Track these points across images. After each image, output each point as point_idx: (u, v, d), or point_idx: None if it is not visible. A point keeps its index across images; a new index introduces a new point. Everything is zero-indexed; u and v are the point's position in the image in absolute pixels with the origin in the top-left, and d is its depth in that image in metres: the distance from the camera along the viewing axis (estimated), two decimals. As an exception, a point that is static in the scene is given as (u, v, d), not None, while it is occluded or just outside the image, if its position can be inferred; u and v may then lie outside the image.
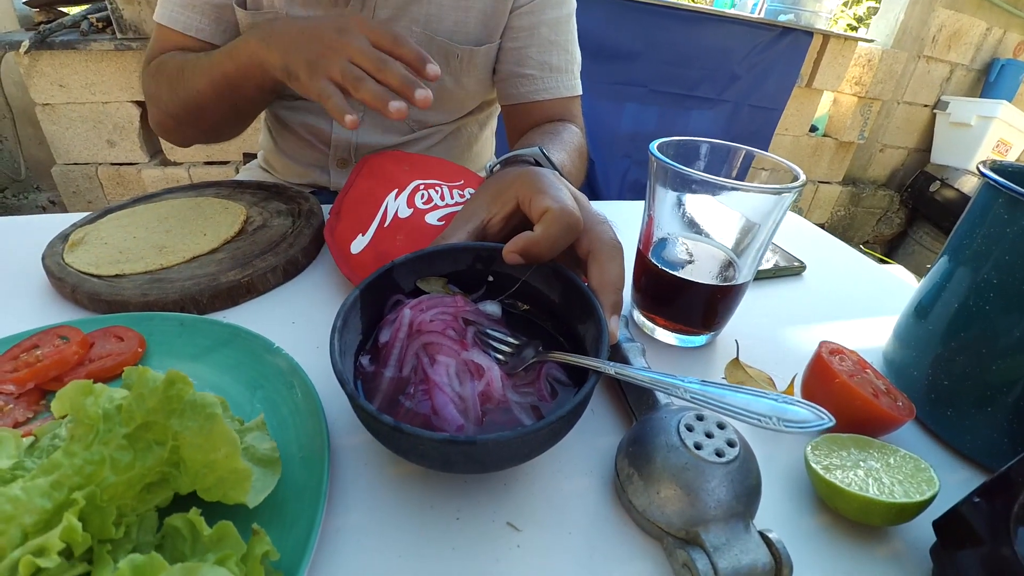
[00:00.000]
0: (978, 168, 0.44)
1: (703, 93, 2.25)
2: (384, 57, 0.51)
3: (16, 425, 0.38)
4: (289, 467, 0.33)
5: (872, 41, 2.71)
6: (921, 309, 0.48)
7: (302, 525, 0.30)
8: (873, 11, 3.06)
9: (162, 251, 0.55)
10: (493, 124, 0.99)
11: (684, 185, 0.45)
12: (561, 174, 0.53)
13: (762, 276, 0.65)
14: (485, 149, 0.99)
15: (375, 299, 0.40)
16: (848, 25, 3.72)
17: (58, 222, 0.62)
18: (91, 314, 0.50)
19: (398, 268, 0.40)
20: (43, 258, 0.54)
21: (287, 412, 0.38)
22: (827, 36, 2.46)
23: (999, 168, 0.45)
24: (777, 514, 0.37)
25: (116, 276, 0.52)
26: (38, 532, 0.25)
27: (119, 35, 1.73)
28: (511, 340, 0.39)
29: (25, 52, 1.69)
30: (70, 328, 0.45)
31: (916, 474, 0.36)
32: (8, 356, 0.42)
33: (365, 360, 0.38)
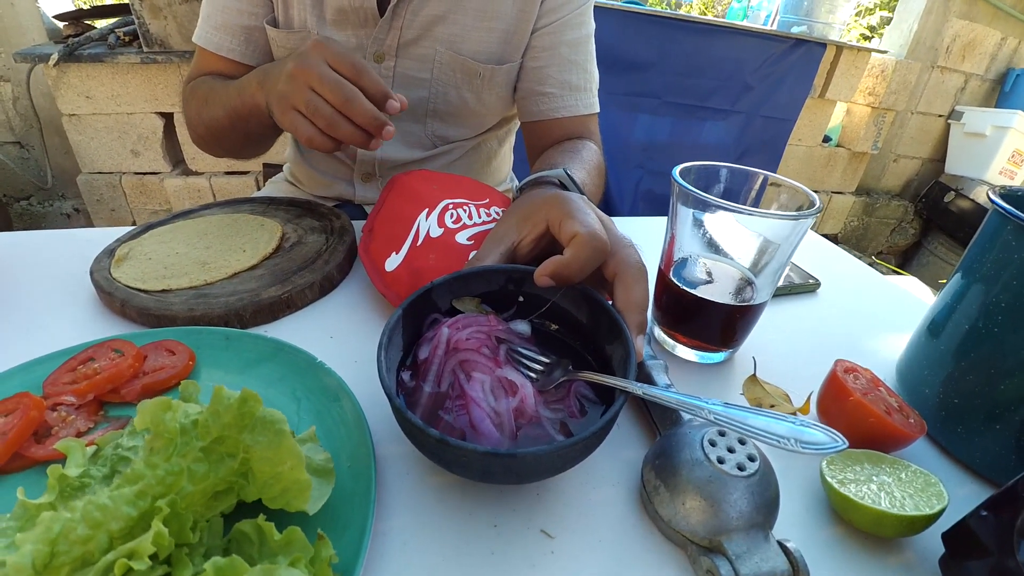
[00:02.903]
0: (988, 195, 0.46)
1: (716, 104, 2.27)
2: (345, 86, 0.52)
3: (79, 434, 0.40)
4: (339, 476, 0.35)
5: (885, 52, 2.72)
6: (933, 328, 0.50)
7: (354, 530, 0.32)
8: (887, 21, 3.06)
9: (205, 267, 0.58)
10: (512, 140, 1.02)
11: (705, 209, 0.47)
12: (583, 194, 0.55)
13: (778, 293, 0.67)
14: (504, 163, 1.02)
15: (414, 317, 0.42)
16: (861, 35, 3.72)
17: (97, 236, 0.65)
18: (139, 327, 0.53)
19: (436, 288, 0.43)
20: (91, 273, 0.57)
21: (332, 424, 0.40)
22: (840, 47, 2.47)
23: (1009, 194, 0.47)
24: (794, 525, 0.39)
25: (163, 291, 0.55)
26: (123, 537, 0.28)
27: (145, 49, 1.79)
28: (541, 358, 0.41)
29: (54, 64, 1.75)
30: (123, 342, 0.47)
31: (926, 488, 0.38)
32: (66, 368, 0.45)
33: (406, 375, 0.40)
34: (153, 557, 0.27)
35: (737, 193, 0.53)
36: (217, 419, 0.29)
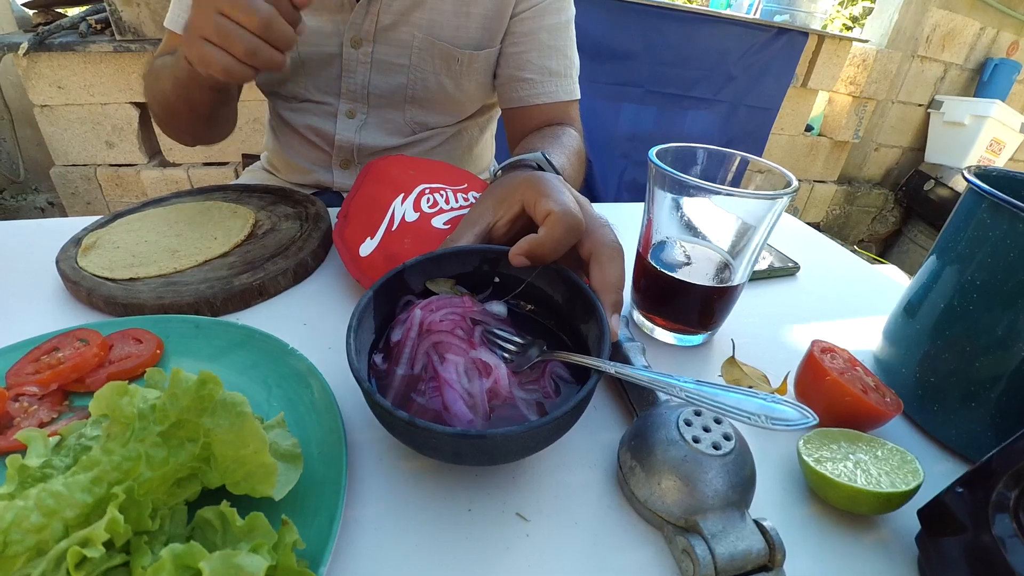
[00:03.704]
0: (963, 174, 0.46)
1: (700, 93, 2.27)
2: (260, 6, 0.47)
3: (41, 425, 0.39)
4: (309, 462, 0.34)
5: (867, 41, 2.73)
6: (910, 309, 0.50)
7: (324, 516, 0.31)
8: (868, 11, 3.08)
9: (174, 255, 0.57)
10: (493, 127, 1.01)
11: (682, 190, 0.47)
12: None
13: (757, 276, 0.67)
14: (485, 151, 1.01)
15: (387, 299, 0.42)
16: (843, 25, 3.74)
17: (66, 226, 0.63)
18: (107, 317, 0.51)
19: (409, 270, 0.42)
20: (57, 262, 0.55)
21: (304, 410, 0.39)
22: (822, 36, 2.48)
23: (983, 174, 0.47)
24: (771, 503, 0.39)
25: (131, 280, 0.53)
26: (79, 525, 0.26)
27: (118, 37, 1.74)
28: (516, 339, 0.41)
29: (24, 54, 1.69)
30: (89, 331, 0.46)
31: (902, 466, 0.38)
32: (29, 358, 0.44)
33: (378, 358, 0.40)
34: (110, 545, 0.26)
35: (714, 176, 0.52)
36: (175, 403, 0.28)
